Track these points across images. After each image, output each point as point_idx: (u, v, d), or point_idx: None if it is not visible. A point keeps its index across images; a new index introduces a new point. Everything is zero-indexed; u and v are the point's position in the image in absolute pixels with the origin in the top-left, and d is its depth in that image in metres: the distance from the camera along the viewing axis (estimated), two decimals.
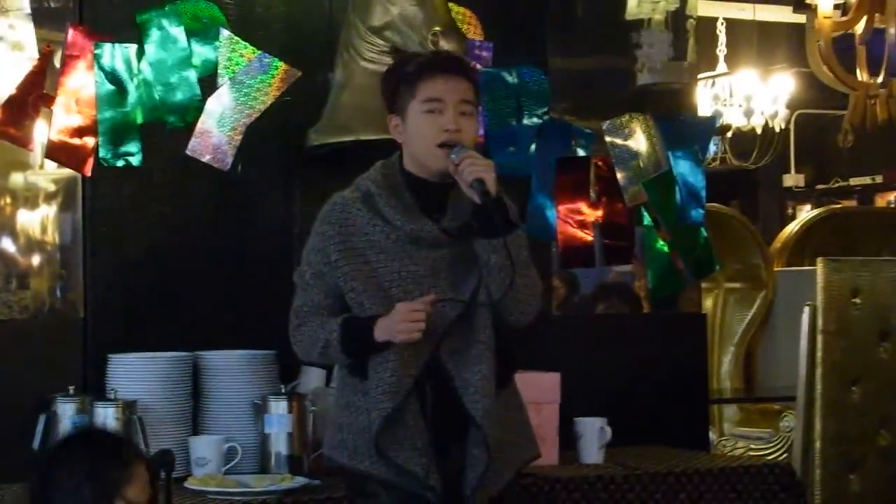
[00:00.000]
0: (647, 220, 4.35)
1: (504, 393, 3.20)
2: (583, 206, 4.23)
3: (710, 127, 4.77)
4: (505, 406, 3.19)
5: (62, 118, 3.69)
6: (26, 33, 3.66)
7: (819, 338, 4.85)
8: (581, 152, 4.25)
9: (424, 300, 3.04)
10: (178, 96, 3.77)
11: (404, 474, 3.07)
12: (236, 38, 3.81)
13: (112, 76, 3.72)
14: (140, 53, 3.75)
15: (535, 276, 3.20)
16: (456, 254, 3.14)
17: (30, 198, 3.92)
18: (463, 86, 3.16)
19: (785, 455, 6.12)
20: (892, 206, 11.01)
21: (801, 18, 7.41)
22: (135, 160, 3.76)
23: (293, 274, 3.24)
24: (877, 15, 7.03)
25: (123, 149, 3.75)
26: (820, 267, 4.89)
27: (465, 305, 3.11)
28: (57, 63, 3.74)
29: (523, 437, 3.28)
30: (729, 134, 9.60)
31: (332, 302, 3.16)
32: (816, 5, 6.93)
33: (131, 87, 3.74)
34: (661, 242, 4.39)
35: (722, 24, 9.25)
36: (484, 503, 3.11)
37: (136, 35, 3.76)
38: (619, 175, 4.28)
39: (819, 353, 4.84)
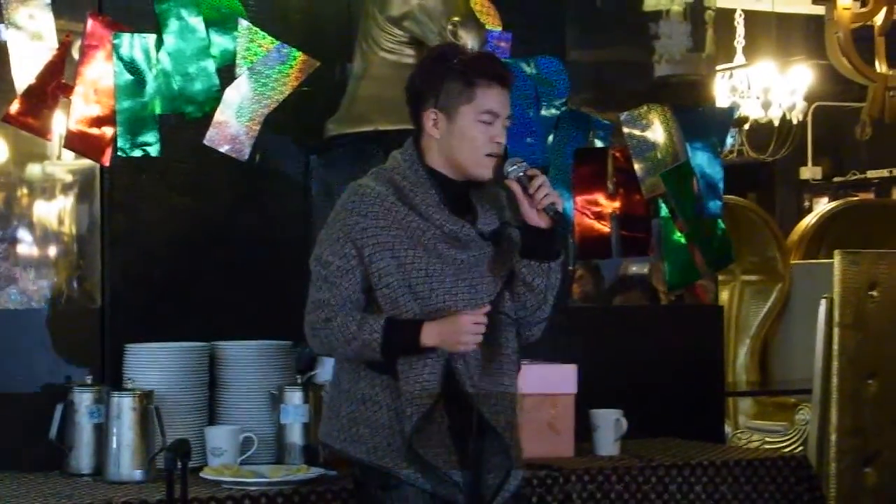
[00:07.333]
0: (664, 211, 4.35)
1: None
2: (600, 198, 4.23)
3: (728, 118, 4.76)
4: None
5: (81, 108, 3.69)
6: (46, 23, 3.65)
7: (835, 331, 4.85)
8: (599, 143, 4.26)
9: (481, 310, 3.04)
10: (197, 86, 3.77)
11: (429, 471, 3.06)
12: (255, 28, 3.80)
13: (130, 66, 3.72)
14: (159, 43, 3.74)
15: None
16: (476, 257, 3.14)
17: (48, 188, 3.93)
18: (508, 100, 3.15)
19: (801, 448, 6.12)
20: None
21: (819, 10, 7.39)
22: (153, 150, 3.76)
23: (309, 260, 3.18)
24: None
25: (141, 139, 3.75)
26: (837, 260, 4.89)
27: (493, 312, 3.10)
28: (76, 53, 3.74)
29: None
30: (746, 126, 9.57)
31: (361, 297, 3.09)
32: None
33: (149, 78, 3.74)
34: (679, 234, 4.38)
35: (740, 15, 9.21)
36: None
37: (155, 25, 3.76)
38: (636, 166, 4.28)
39: (835, 346, 4.84)
